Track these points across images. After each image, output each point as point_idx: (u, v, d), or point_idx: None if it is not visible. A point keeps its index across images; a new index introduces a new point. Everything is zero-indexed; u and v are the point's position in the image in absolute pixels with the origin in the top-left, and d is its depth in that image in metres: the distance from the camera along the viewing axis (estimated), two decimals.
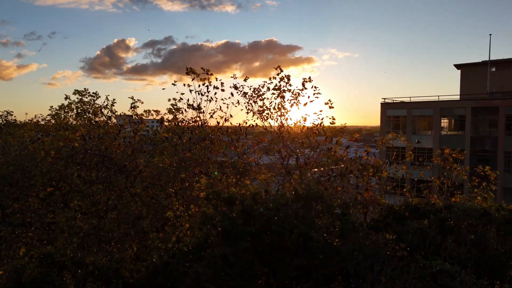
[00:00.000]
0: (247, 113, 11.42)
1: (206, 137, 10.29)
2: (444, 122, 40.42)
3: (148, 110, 10.67)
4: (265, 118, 11.12)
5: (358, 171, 9.53)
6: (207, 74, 10.90)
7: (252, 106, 11.91)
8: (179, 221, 9.30)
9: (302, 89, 11.18)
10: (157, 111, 10.97)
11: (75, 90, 12.97)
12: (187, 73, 10.87)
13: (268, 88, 11.36)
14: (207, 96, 11.09)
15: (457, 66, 46.08)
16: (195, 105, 11.08)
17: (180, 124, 9.97)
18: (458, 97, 42.53)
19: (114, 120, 13.83)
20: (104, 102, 14.16)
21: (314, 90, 11.21)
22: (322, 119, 11.15)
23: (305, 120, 10.90)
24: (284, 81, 11.60)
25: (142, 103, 12.49)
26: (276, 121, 11.80)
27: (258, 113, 11.11)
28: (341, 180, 9.65)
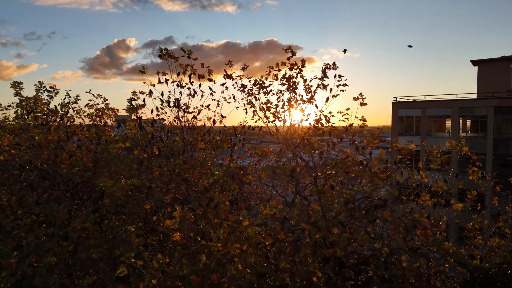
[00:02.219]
0: (246, 111, 8.24)
1: (185, 148, 7.10)
2: (463, 123, 37.14)
3: (102, 108, 7.47)
4: (273, 119, 7.94)
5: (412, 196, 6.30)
6: (189, 57, 7.70)
7: (253, 103, 8.75)
8: (143, 275, 6.10)
9: (322, 78, 7.99)
10: (113, 110, 7.73)
11: (14, 81, 9.78)
12: (161, 57, 7.69)
13: (276, 77, 8.18)
14: (190, 89, 7.91)
15: (474, 63, 42.76)
16: (172, 101, 7.89)
17: (145, 127, 6.74)
18: (476, 96, 39.24)
19: (80, 121, 10.67)
20: (65, 99, 11.07)
21: (339, 80, 8.00)
22: (351, 123, 7.96)
23: (328, 121, 7.72)
24: (295, 69, 8.42)
25: (106, 100, 9.29)
26: (284, 123, 8.64)
27: (261, 110, 7.93)
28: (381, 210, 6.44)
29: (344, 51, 8.48)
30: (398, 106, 39.99)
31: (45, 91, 11.31)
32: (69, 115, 10.50)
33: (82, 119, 10.64)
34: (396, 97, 40.74)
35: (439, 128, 38.34)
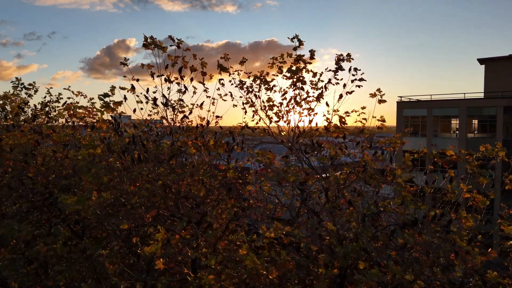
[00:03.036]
0: (245, 110, 7.11)
1: (174, 154, 5.95)
2: (470, 123, 35.94)
3: (73, 107, 6.26)
4: (276, 119, 6.80)
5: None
6: (178, 46, 6.56)
7: (252, 101, 7.60)
8: None
9: (337, 70, 6.83)
10: (84, 108, 6.54)
11: None
12: (145, 46, 6.55)
13: (280, 70, 7.03)
14: (179, 84, 6.76)
15: (481, 61, 41.56)
16: (159, 99, 6.74)
17: (121, 130, 5.56)
18: (484, 95, 38.03)
19: (62, 122, 9.54)
20: (45, 97, 9.95)
21: (354, 74, 6.84)
22: (365, 124, 6.82)
23: (343, 122, 6.58)
24: (302, 62, 7.25)
25: (85, 97, 8.13)
26: (288, 123, 7.50)
27: (262, 110, 6.79)
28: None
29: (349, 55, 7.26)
30: (403, 106, 38.83)
31: (23, 89, 10.26)
32: (52, 115, 9.40)
33: (65, 119, 9.53)
34: (401, 97, 39.60)
35: (445, 128, 37.18)
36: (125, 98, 6.28)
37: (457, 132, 35.41)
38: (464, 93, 35.63)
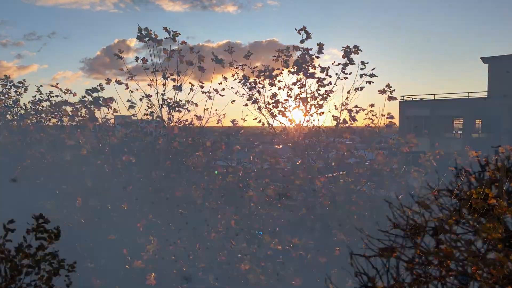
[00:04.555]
0: (239, 107, 6.61)
1: (170, 155, 5.44)
2: (474, 124, 35.38)
3: (56, 103, 5.67)
4: (282, 116, 6.30)
5: None
6: (173, 39, 6.04)
7: (256, 98, 7.11)
8: None
9: (347, 64, 6.34)
10: (72, 105, 5.96)
11: None
12: (140, 38, 6.03)
13: (286, 64, 6.53)
14: (175, 80, 6.26)
15: (484, 60, 40.92)
16: (155, 97, 6.23)
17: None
18: (487, 95, 37.46)
19: (53, 121, 9.03)
20: (35, 96, 9.50)
21: (362, 68, 6.32)
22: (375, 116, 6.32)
23: (353, 117, 6.08)
24: (308, 55, 6.74)
25: (75, 95, 7.62)
26: (292, 123, 7.00)
27: (265, 108, 6.29)
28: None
29: (356, 47, 6.75)
30: (405, 105, 38.22)
31: (13, 87, 9.80)
32: (43, 114, 8.93)
33: (59, 119, 9.04)
34: (403, 96, 39.03)
35: (449, 128, 36.61)
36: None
37: (461, 132, 34.89)
38: (468, 92, 35.07)
